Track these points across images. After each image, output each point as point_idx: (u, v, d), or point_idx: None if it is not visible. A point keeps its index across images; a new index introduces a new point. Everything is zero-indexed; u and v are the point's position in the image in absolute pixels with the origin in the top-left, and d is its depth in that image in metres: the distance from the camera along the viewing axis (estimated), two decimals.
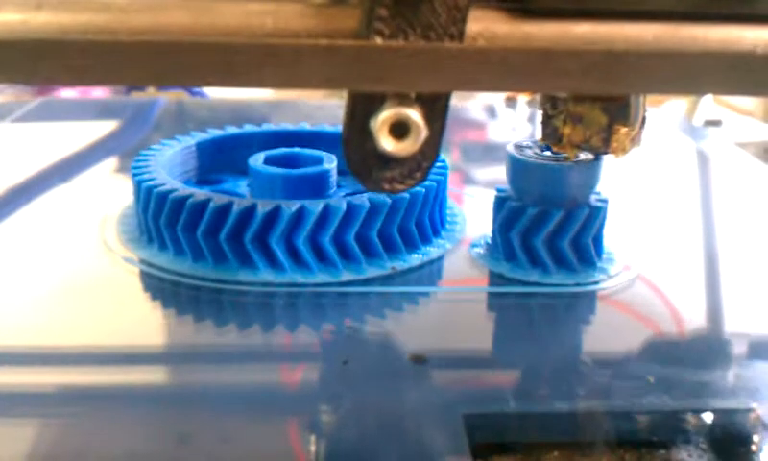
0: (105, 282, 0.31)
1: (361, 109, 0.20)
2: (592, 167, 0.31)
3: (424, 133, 0.20)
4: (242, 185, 0.37)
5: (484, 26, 0.20)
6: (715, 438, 0.23)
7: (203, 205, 0.30)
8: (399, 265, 0.32)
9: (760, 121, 1.04)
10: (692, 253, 0.36)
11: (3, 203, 0.41)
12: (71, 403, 0.24)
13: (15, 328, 0.28)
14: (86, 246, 0.34)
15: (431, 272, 0.32)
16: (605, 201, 0.32)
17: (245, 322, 0.29)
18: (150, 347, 0.28)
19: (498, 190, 0.33)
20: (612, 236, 0.33)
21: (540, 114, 0.30)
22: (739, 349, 0.28)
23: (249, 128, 0.41)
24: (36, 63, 0.19)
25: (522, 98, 0.66)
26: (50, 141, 0.53)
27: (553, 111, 0.29)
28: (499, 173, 0.32)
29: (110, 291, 0.31)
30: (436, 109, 0.20)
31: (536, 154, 0.31)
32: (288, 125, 0.41)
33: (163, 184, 0.32)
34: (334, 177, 0.35)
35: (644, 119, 0.29)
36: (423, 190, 0.32)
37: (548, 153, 0.31)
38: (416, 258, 0.32)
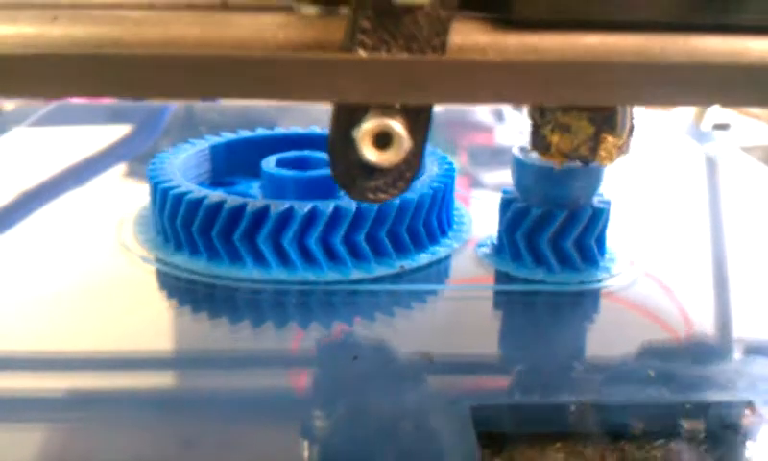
0: (123, 281, 0.32)
1: (345, 120, 0.20)
2: (595, 170, 0.32)
3: (407, 143, 0.20)
4: (255, 187, 0.38)
5: (466, 38, 0.20)
6: (714, 431, 0.24)
7: (217, 206, 0.31)
8: (408, 264, 0.33)
9: None
10: (695, 253, 0.37)
11: (20, 205, 0.42)
12: (83, 406, 0.24)
13: (32, 330, 0.29)
14: (104, 246, 0.35)
15: (439, 271, 0.33)
16: (607, 202, 0.33)
17: (258, 319, 0.30)
18: (165, 347, 0.29)
19: (504, 192, 0.34)
20: (616, 237, 0.34)
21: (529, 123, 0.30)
22: (739, 345, 0.29)
23: (261, 131, 0.42)
24: (51, 76, 0.20)
25: None
26: (65, 145, 0.54)
27: (541, 121, 0.29)
28: (507, 176, 0.33)
29: (129, 289, 0.32)
30: (419, 120, 0.21)
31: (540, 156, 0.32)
32: (299, 128, 0.42)
33: (179, 186, 0.33)
34: None
35: (632, 128, 0.29)
36: (431, 192, 0.33)
37: None
38: (424, 258, 0.33)
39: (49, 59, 0.19)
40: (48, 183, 0.45)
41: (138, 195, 0.39)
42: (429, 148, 0.38)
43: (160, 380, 0.27)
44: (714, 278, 0.35)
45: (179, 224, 0.32)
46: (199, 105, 0.64)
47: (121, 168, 0.49)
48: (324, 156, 0.37)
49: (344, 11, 0.20)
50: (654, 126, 0.60)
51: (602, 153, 0.28)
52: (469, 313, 0.31)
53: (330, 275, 0.31)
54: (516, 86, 0.20)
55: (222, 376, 0.26)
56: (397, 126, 0.20)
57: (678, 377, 0.26)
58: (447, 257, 0.34)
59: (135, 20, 0.20)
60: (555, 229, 0.32)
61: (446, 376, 0.26)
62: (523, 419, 0.24)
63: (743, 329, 0.30)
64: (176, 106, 0.64)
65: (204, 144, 0.39)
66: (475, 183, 0.47)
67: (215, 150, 0.39)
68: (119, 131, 0.57)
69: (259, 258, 0.32)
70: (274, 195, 0.35)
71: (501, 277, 0.33)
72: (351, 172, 0.21)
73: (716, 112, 0.92)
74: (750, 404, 0.25)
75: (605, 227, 0.33)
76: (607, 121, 0.28)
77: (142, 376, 0.27)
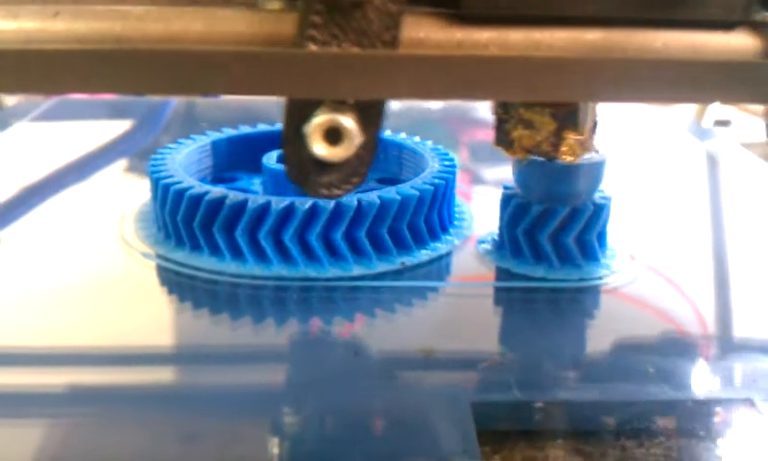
0: (124, 277, 0.32)
1: (297, 115, 0.20)
2: (596, 166, 0.32)
3: (358, 138, 0.20)
4: (256, 183, 0.38)
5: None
6: (714, 426, 0.24)
7: (219, 202, 0.31)
8: (409, 261, 0.33)
9: None
10: (696, 249, 0.37)
11: (22, 200, 0.42)
12: (83, 401, 0.25)
13: (33, 325, 0.29)
14: (105, 242, 0.35)
15: (439, 267, 0.33)
16: (608, 199, 0.33)
17: (259, 315, 0.30)
18: (166, 343, 0.29)
19: (505, 188, 0.34)
20: (616, 233, 0.34)
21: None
22: (741, 341, 0.29)
23: (262, 127, 0.42)
24: (53, 72, 0.19)
25: None
26: (66, 140, 0.54)
27: (505, 116, 0.29)
28: (507, 172, 0.33)
29: (130, 286, 0.32)
30: (371, 116, 0.20)
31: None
32: None
33: (180, 182, 0.33)
34: None
35: (595, 124, 0.29)
36: (433, 188, 0.33)
37: None
38: (425, 254, 0.33)
39: (51, 54, 0.19)
40: (49, 179, 0.45)
41: (139, 190, 0.39)
42: (430, 144, 0.39)
43: (161, 376, 0.27)
44: (715, 273, 0.35)
45: (180, 220, 0.33)
46: (200, 100, 0.64)
47: (122, 163, 0.49)
48: None
49: (301, 5, 0.20)
50: (655, 123, 0.60)
51: (564, 149, 0.28)
52: (470, 310, 0.31)
53: (331, 271, 0.31)
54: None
55: (222, 372, 0.26)
56: (348, 121, 0.20)
57: (679, 374, 0.26)
58: (448, 254, 0.34)
59: (138, 15, 0.20)
60: (556, 225, 0.32)
61: (447, 373, 0.26)
62: (524, 416, 0.24)
63: (744, 326, 0.30)
64: (176, 101, 0.64)
65: (205, 140, 0.39)
66: (476, 179, 0.47)
67: (216, 145, 0.39)
68: (120, 126, 0.57)
69: (260, 254, 0.32)
70: (275, 191, 0.35)
71: (502, 273, 0.33)
72: (304, 168, 0.21)
73: (717, 109, 0.92)
74: (750, 402, 0.25)
75: (606, 223, 0.33)
76: (568, 118, 0.28)
77: (143, 372, 0.27)
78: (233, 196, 0.31)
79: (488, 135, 0.31)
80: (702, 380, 0.26)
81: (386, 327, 0.29)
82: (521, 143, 0.29)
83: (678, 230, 0.39)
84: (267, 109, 0.61)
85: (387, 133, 0.41)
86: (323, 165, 0.21)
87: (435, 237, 0.34)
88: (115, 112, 0.62)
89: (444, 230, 0.35)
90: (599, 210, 0.32)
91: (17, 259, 0.34)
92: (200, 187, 0.32)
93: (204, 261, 0.32)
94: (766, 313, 0.31)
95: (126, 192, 0.41)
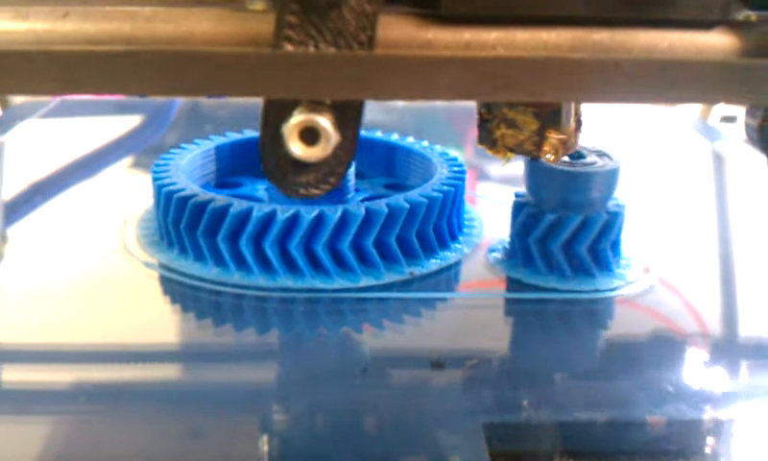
0: (125, 288, 0.31)
1: (274, 115, 0.20)
2: (610, 173, 0.31)
3: (334, 138, 0.20)
4: (260, 189, 0.37)
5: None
6: (735, 447, 0.23)
7: (223, 210, 0.31)
8: (418, 270, 0.32)
9: None
10: (710, 256, 0.36)
11: (28, 198, 0.41)
12: (84, 402, 0.24)
13: (37, 325, 0.29)
14: (106, 249, 0.34)
15: (449, 277, 0.33)
16: (622, 206, 0.32)
17: (264, 326, 0.29)
18: (168, 356, 0.28)
19: (516, 195, 0.33)
20: (628, 240, 0.33)
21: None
22: (761, 355, 0.28)
23: None
24: (63, 73, 0.19)
25: None
26: (74, 137, 0.53)
27: (488, 115, 0.29)
28: (513, 168, 0.32)
29: (131, 297, 0.31)
30: (348, 116, 0.21)
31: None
32: None
33: (183, 189, 0.32)
34: (352, 181, 0.35)
35: (579, 123, 0.29)
36: (442, 195, 0.32)
37: (565, 158, 0.31)
38: (434, 263, 0.33)
39: (61, 55, 0.19)
40: (57, 176, 0.44)
41: (144, 190, 0.39)
42: (439, 149, 0.38)
43: (162, 390, 0.26)
44: (731, 282, 0.34)
45: (183, 228, 0.32)
46: (206, 100, 0.63)
47: (128, 161, 0.49)
48: None
49: (277, 5, 0.20)
50: (659, 121, 0.59)
51: (546, 148, 0.28)
52: (481, 322, 0.30)
53: (338, 281, 0.31)
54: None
55: (224, 384, 0.26)
56: (324, 121, 0.20)
57: (696, 392, 0.25)
58: (458, 263, 0.33)
59: (147, 16, 0.20)
60: (569, 234, 0.31)
61: (458, 389, 0.26)
62: (538, 437, 0.23)
63: (764, 337, 0.29)
64: (182, 101, 0.63)
65: (208, 144, 0.38)
66: (482, 176, 0.46)
67: (220, 150, 0.39)
68: (128, 122, 0.57)
69: (265, 264, 0.31)
70: (280, 197, 0.34)
71: (513, 283, 0.32)
72: (282, 168, 0.21)
73: (723, 106, 0.91)
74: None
75: (620, 232, 0.32)
76: (551, 117, 0.28)
77: (145, 377, 0.26)
78: (238, 204, 0.31)
79: None
80: (721, 398, 0.25)
81: (395, 340, 0.28)
82: (504, 142, 0.28)
83: (691, 236, 0.38)
84: None
85: (394, 138, 0.40)
86: (300, 165, 0.21)
87: (444, 246, 0.34)
88: (123, 109, 0.61)
89: (454, 237, 0.35)
90: (613, 219, 0.31)
91: (21, 261, 0.34)
92: (204, 195, 0.32)
93: (208, 271, 0.31)
94: None
95: (130, 193, 0.41)
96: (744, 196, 0.45)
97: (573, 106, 0.28)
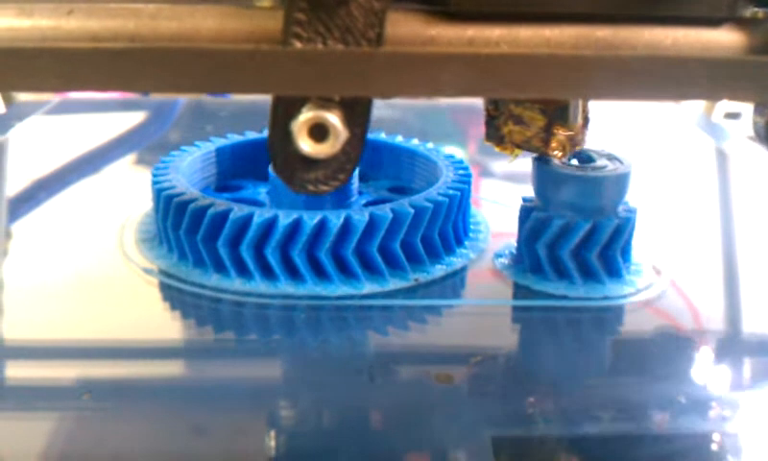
0: (124, 296, 0.31)
1: (283, 112, 0.20)
2: (621, 177, 0.30)
3: (344, 135, 0.20)
4: (262, 192, 0.36)
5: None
6: (748, 459, 0.22)
7: (223, 215, 0.30)
8: (423, 277, 0.31)
9: None
10: (721, 261, 0.35)
11: (31, 195, 0.41)
12: (86, 401, 0.24)
13: (42, 320, 0.29)
14: (106, 251, 0.34)
15: (455, 283, 0.32)
16: (633, 211, 0.31)
17: (266, 334, 0.28)
18: (165, 355, 0.28)
19: (524, 200, 0.32)
20: (639, 244, 0.32)
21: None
22: None
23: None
24: (68, 70, 0.19)
25: None
26: (77, 134, 0.53)
27: (495, 112, 0.29)
28: (516, 166, 0.32)
29: (130, 305, 0.30)
30: (357, 112, 0.21)
31: (562, 163, 0.30)
32: None
33: (183, 193, 0.31)
34: (355, 185, 0.34)
35: (587, 120, 0.29)
36: (447, 200, 0.32)
37: (575, 162, 0.31)
38: (439, 269, 0.32)
39: (65, 53, 0.19)
40: (60, 173, 0.44)
41: (146, 189, 0.38)
42: (444, 152, 0.37)
43: (163, 394, 0.25)
44: (738, 285, 0.33)
45: (183, 233, 0.31)
46: (208, 100, 0.63)
47: (131, 158, 0.48)
48: None
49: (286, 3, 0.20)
50: (662, 118, 0.58)
51: (554, 144, 0.28)
52: (488, 330, 0.29)
53: (342, 288, 0.30)
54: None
55: (225, 391, 0.25)
56: (333, 118, 0.20)
57: (711, 403, 0.25)
58: (464, 269, 0.33)
59: (151, 13, 0.20)
60: (578, 239, 0.30)
61: (465, 402, 0.25)
62: (548, 451, 0.23)
63: None
64: (185, 100, 0.63)
65: (209, 147, 0.38)
66: (485, 173, 0.46)
67: (221, 153, 0.38)
68: (131, 119, 0.57)
69: (267, 271, 0.30)
70: (282, 201, 0.33)
71: (521, 290, 0.31)
72: (291, 164, 0.21)
73: (727, 102, 0.90)
74: None
75: (630, 237, 0.31)
76: (559, 113, 0.28)
77: (147, 377, 0.26)
78: (239, 209, 0.30)
79: None
80: (734, 408, 0.24)
81: (400, 349, 0.28)
82: (512, 139, 0.28)
83: (695, 235, 0.37)
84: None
85: (399, 140, 0.39)
86: (309, 162, 0.21)
87: (450, 251, 0.33)
88: (126, 106, 0.61)
89: (460, 242, 0.34)
90: (623, 224, 0.30)
91: (26, 254, 0.34)
92: (204, 199, 0.31)
93: (208, 277, 0.30)
94: None
95: (133, 191, 0.40)
96: (748, 193, 0.44)
97: (580, 102, 0.28)
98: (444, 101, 0.63)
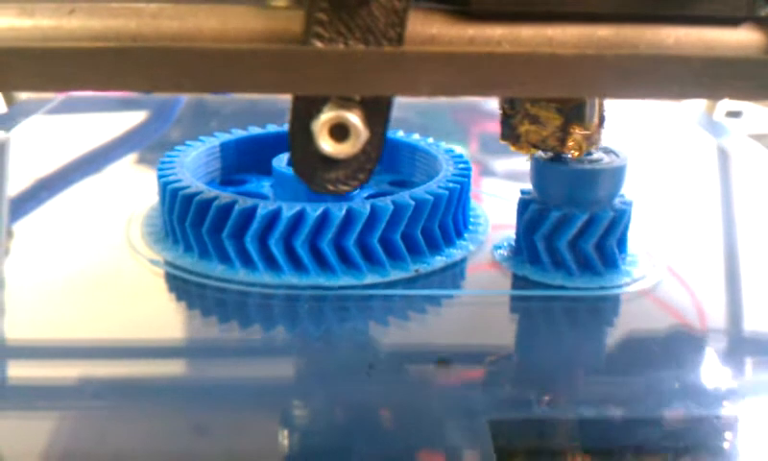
0: (131, 286, 0.31)
1: (303, 112, 0.20)
2: (617, 170, 0.31)
3: (364, 135, 0.20)
4: (265, 186, 0.37)
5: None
6: (742, 444, 0.23)
7: (228, 207, 0.31)
8: (423, 267, 0.32)
9: None
10: (717, 253, 0.36)
11: (33, 195, 0.41)
12: (90, 396, 0.24)
13: (44, 319, 0.29)
14: (111, 245, 0.34)
15: (454, 274, 0.32)
16: (629, 204, 0.32)
17: (269, 323, 0.29)
18: (171, 346, 0.28)
19: (522, 192, 0.33)
20: (634, 236, 0.33)
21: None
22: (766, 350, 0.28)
23: (272, 128, 0.41)
24: (69, 70, 0.19)
25: None
26: (79, 133, 0.54)
27: (511, 111, 0.29)
28: (518, 164, 0.32)
29: (137, 294, 0.31)
30: (377, 112, 0.20)
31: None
32: None
33: (188, 186, 0.32)
34: None
35: (603, 119, 0.29)
36: (447, 192, 0.32)
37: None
38: (439, 260, 0.32)
39: (66, 52, 0.19)
40: (62, 172, 0.45)
41: (148, 187, 0.39)
42: (444, 146, 0.38)
43: (168, 384, 0.26)
44: (740, 279, 0.34)
45: (188, 225, 0.32)
46: (210, 97, 0.63)
47: (133, 157, 0.49)
48: None
49: (306, 3, 0.20)
50: (664, 116, 0.59)
51: (570, 144, 0.28)
52: (486, 319, 0.30)
53: (343, 279, 0.31)
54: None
55: (230, 380, 0.26)
56: (354, 118, 0.20)
57: (704, 389, 0.25)
58: (463, 260, 0.33)
59: (153, 13, 0.20)
60: (575, 231, 0.31)
61: (463, 387, 0.25)
62: (544, 434, 0.23)
63: None
64: (187, 97, 0.63)
65: (214, 141, 0.38)
66: (486, 171, 0.46)
67: (225, 147, 0.38)
68: (133, 118, 0.57)
69: (271, 262, 0.31)
70: (285, 194, 0.34)
71: (519, 281, 0.32)
72: (311, 164, 0.21)
73: (728, 101, 0.91)
74: None
75: (626, 229, 0.32)
76: (575, 112, 0.28)
77: (150, 373, 0.26)
78: (243, 201, 0.31)
79: (498, 127, 0.30)
80: (728, 395, 0.25)
81: (400, 337, 0.28)
82: (528, 138, 0.28)
83: (697, 232, 0.38)
84: (276, 103, 0.60)
85: (400, 134, 0.40)
86: (329, 162, 0.21)
87: (450, 243, 0.34)
88: (128, 105, 0.61)
89: (459, 234, 0.34)
90: (620, 216, 0.31)
91: (29, 253, 0.34)
92: (209, 192, 0.32)
93: (213, 268, 0.31)
94: None
95: (136, 188, 0.41)
96: (749, 191, 0.45)
97: (597, 101, 0.28)
98: (446, 99, 0.64)
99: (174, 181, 0.33)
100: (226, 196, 0.31)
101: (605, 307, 0.30)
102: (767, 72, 0.20)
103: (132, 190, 0.41)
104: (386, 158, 0.40)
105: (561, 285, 0.31)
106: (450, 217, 0.33)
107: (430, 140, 0.39)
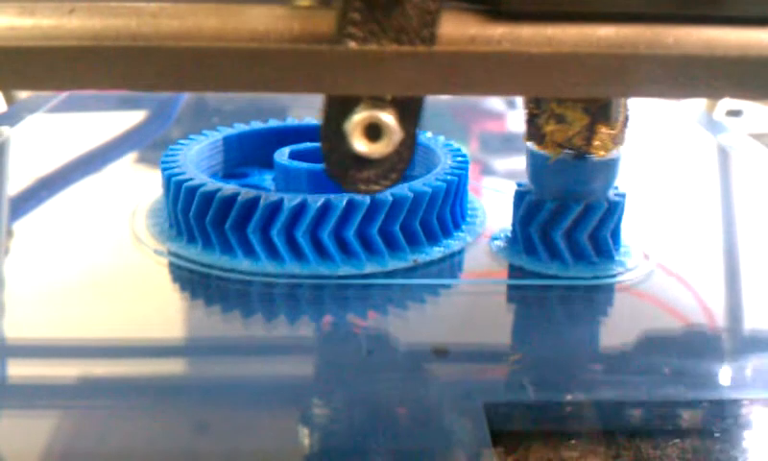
0: (136, 274, 0.32)
1: (336, 111, 0.20)
2: (611, 163, 0.31)
3: (398, 135, 0.20)
4: (267, 179, 0.38)
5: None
6: (730, 427, 0.24)
7: (231, 199, 0.31)
8: (421, 258, 0.33)
9: None
10: (709, 245, 0.36)
11: (34, 193, 0.42)
12: (93, 393, 0.25)
13: (46, 318, 0.29)
14: (117, 237, 0.35)
15: (452, 265, 0.33)
16: (622, 195, 0.32)
17: (271, 312, 0.30)
18: (177, 340, 0.29)
19: (518, 185, 0.33)
20: (629, 230, 0.34)
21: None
22: (756, 339, 0.29)
23: (273, 123, 0.42)
24: (69, 69, 0.20)
25: None
26: (80, 131, 0.54)
27: (537, 111, 0.29)
28: (518, 163, 0.33)
29: (141, 282, 0.32)
30: (410, 112, 0.21)
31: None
32: (312, 119, 0.42)
33: (192, 179, 0.33)
34: None
35: (627, 118, 0.29)
36: (445, 185, 0.33)
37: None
38: (437, 251, 0.33)
39: (66, 51, 0.19)
40: (62, 171, 0.45)
41: (151, 184, 0.39)
42: (443, 140, 0.38)
43: (172, 369, 0.27)
44: (729, 270, 0.34)
45: (192, 216, 0.32)
46: (211, 94, 0.64)
47: (134, 156, 0.49)
48: None
49: (338, 2, 0.20)
50: (664, 115, 0.59)
51: (596, 143, 0.28)
52: (483, 308, 0.31)
53: (344, 268, 0.31)
54: (506, 78, 0.20)
55: (233, 368, 0.27)
56: (388, 117, 0.20)
57: (694, 373, 0.26)
58: (461, 251, 0.34)
59: (153, 12, 0.20)
60: (569, 222, 0.31)
61: (460, 372, 0.26)
62: (537, 416, 0.24)
63: (760, 322, 0.30)
64: (188, 94, 0.64)
65: (216, 135, 0.39)
66: (486, 171, 0.47)
67: (228, 141, 0.39)
68: (133, 117, 0.57)
69: (272, 252, 0.32)
70: (287, 187, 0.35)
71: (515, 271, 0.32)
72: (343, 164, 0.21)
73: (729, 100, 0.91)
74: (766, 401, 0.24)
75: (620, 220, 0.33)
76: (601, 112, 0.28)
77: (155, 365, 0.27)
78: (245, 193, 0.31)
79: (498, 126, 0.31)
80: (718, 380, 0.26)
81: (399, 325, 0.29)
82: (553, 138, 0.29)
83: (691, 226, 0.39)
84: (275, 101, 0.61)
85: None
86: (362, 161, 0.21)
87: (448, 234, 0.34)
88: (128, 104, 0.62)
89: (457, 226, 0.35)
90: (613, 207, 0.32)
91: (29, 253, 0.34)
92: (212, 184, 0.32)
93: (216, 258, 0.32)
94: None
95: (138, 185, 0.41)
96: (746, 189, 0.46)
97: (623, 100, 0.28)
98: (446, 98, 0.64)
99: (178, 174, 0.33)
100: (229, 188, 0.32)
101: (598, 296, 0.31)
102: None
103: (134, 187, 0.41)
104: None
105: (555, 275, 0.32)
106: (448, 209, 0.34)
107: (429, 135, 0.39)
